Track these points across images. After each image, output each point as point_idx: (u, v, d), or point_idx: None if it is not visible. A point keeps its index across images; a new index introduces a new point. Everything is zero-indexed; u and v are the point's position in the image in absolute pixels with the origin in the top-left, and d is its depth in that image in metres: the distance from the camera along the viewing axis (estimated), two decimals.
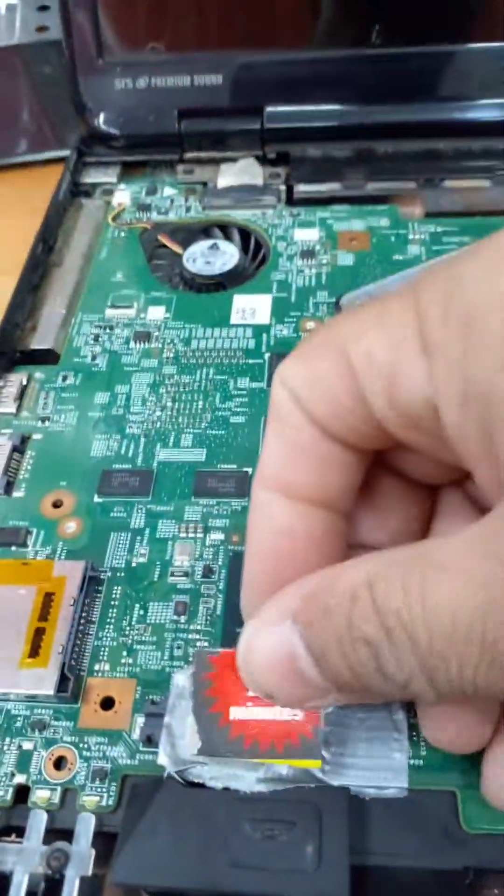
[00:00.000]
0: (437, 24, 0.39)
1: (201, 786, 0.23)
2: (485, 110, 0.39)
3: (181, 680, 0.24)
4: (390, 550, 0.17)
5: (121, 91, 0.41)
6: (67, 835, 0.23)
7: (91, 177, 0.43)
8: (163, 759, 0.23)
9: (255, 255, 0.39)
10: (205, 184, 0.42)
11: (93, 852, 0.23)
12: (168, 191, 0.42)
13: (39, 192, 0.47)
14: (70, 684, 0.25)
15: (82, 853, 0.23)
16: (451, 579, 0.15)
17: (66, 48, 0.41)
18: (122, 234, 0.40)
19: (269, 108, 0.41)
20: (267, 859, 0.22)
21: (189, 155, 0.43)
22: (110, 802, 0.23)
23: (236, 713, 0.23)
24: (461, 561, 0.16)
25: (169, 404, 0.33)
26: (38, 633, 0.26)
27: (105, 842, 0.23)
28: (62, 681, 0.25)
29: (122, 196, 0.42)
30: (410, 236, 0.38)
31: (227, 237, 0.40)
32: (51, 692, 0.25)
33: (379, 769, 0.23)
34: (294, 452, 0.20)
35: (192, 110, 0.41)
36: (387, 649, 0.16)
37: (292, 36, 0.40)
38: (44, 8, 0.56)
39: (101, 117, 0.42)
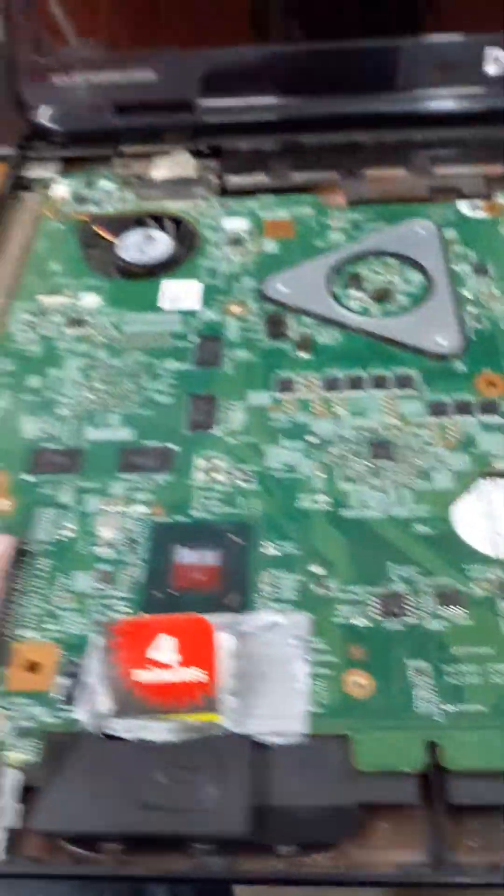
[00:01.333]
0: (357, 20, 0.40)
1: (117, 738, 0.24)
2: (402, 103, 0.41)
3: (97, 640, 0.26)
4: None
5: (59, 88, 0.43)
6: None
7: (32, 171, 0.44)
8: (80, 714, 0.25)
9: (190, 245, 0.41)
10: (140, 177, 0.43)
11: (20, 807, 0.24)
12: (105, 184, 0.43)
13: None
14: None
15: (6, 806, 0.24)
16: None
17: (7, 46, 0.42)
18: (61, 226, 0.42)
19: (202, 102, 0.42)
20: (174, 802, 0.23)
21: (125, 149, 0.44)
22: (34, 759, 0.25)
23: (140, 676, 0.24)
24: None
25: (99, 386, 0.34)
26: None
27: (31, 798, 0.24)
28: None
29: (61, 189, 0.43)
30: (331, 224, 0.39)
31: (163, 228, 0.41)
32: None
33: (279, 717, 0.24)
34: None
35: (128, 105, 0.43)
36: None
37: (221, 32, 0.42)
38: None
39: (42, 114, 0.43)
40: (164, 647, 0.25)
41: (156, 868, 0.23)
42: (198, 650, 0.24)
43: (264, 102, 0.42)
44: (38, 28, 0.42)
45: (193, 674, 0.24)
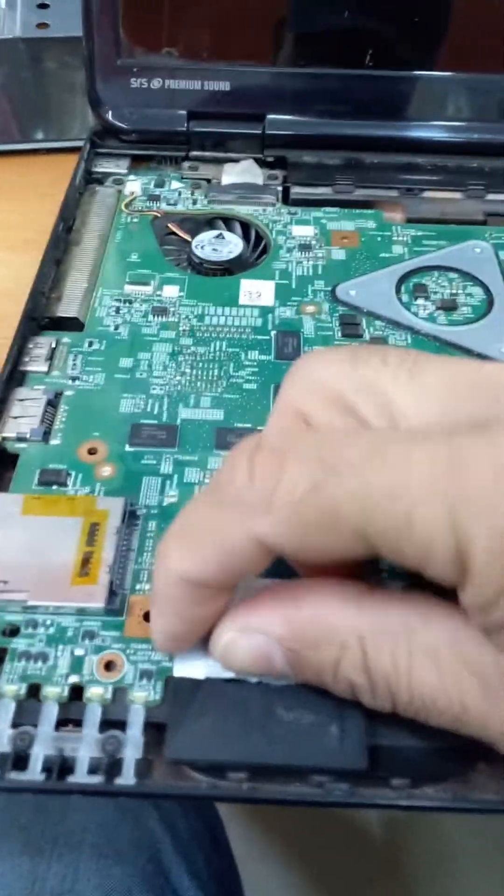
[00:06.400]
0: (422, 54, 0.44)
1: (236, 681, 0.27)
2: (461, 132, 0.45)
3: None
4: (380, 611, 0.22)
5: (135, 90, 0.45)
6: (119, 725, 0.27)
7: (102, 167, 0.47)
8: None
9: (256, 246, 0.44)
10: (208, 180, 0.46)
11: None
12: (175, 184, 0.46)
13: (46, 178, 0.51)
14: (117, 599, 0.29)
15: (134, 738, 0.26)
16: (434, 667, 0.21)
17: (86, 47, 0.44)
18: (135, 220, 0.44)
19: (270, 116, 0.46)
20: (298, 737, 0.26)
21: (194, 153, 0.47)
22: (157, 698, 0.27)
23: None
24: (444, 658, 0.21)
25: (188, 371, 0.37)
26: (87, 557, 0.29)
27: (152, 732, 0.27)
28: (111, 595, 0.29)
29: (134, 186, 0.46)
30: (394, 237, 0.43)
31: (230, 229, 0.44)
32: (101, 605, 0.28)
33: None
34: None
35: (201, 113, 0.46)
36: (368, 694, 0.22)
37: (294, 53, 0.45)
38: (43, 6, 0.59)
39: (116, 113, 0.46)
40: None
41: (278, 792, 0.26)
42: None
43: (329, 121, 0.46)
44: (116, 31, 0.44)
45: None
